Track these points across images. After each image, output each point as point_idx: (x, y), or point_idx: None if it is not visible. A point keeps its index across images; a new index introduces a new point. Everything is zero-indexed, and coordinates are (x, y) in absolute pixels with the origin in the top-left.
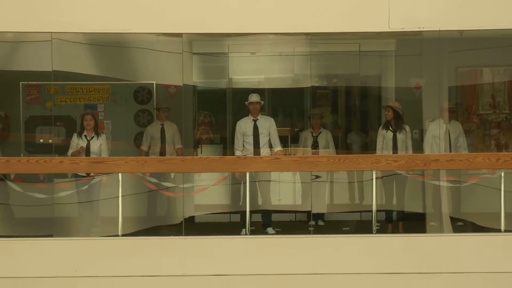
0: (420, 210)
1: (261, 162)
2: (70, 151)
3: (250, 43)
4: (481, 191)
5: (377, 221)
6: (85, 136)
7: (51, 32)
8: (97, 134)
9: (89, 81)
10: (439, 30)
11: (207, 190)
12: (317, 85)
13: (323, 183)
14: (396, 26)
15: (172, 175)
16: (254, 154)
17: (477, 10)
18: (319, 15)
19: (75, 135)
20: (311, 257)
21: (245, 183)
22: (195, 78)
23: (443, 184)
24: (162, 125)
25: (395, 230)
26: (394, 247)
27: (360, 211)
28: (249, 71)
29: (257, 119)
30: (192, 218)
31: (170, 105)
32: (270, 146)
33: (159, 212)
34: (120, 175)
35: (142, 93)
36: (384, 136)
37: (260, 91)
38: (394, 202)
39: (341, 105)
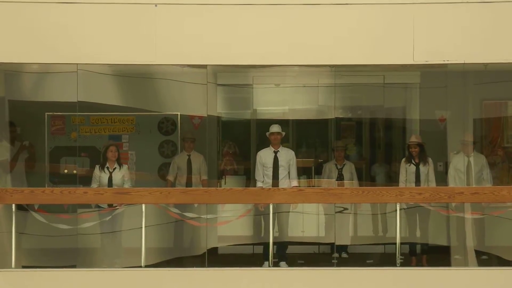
0: (444, 243)
1: (285, 194)
2: (94, 185)
3: (275, 75)
4: (507, 224)
5: (401, 254)
6: (107, 168)
7: (77, 64)
8: (120, 165)
9: (114, 112)
10: (464, 63)
11: (230, 221)
12: (341, 116)
13: (346, 215)
14: (421, 58)
15: (195, 205)
16: (273, 186)
17: (502, 43)
18: (344, 47)
19: (97, 168)
20: None
21: (266, 214)
22: (220, 109)
23: (468, 217)
24: (189, 155)
25: (419, 263)
26: (418, 281)
27: (384, 244)
28: (273, 102)
29: (278, 150)
30: (215, 249)
31: (195, 136)
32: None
33: (184, 243)
34: (143, 205)
35: (167, 124)
36: (406, 169)
37: (284, 122)
38: (418, 234)
39: (365, 137)
